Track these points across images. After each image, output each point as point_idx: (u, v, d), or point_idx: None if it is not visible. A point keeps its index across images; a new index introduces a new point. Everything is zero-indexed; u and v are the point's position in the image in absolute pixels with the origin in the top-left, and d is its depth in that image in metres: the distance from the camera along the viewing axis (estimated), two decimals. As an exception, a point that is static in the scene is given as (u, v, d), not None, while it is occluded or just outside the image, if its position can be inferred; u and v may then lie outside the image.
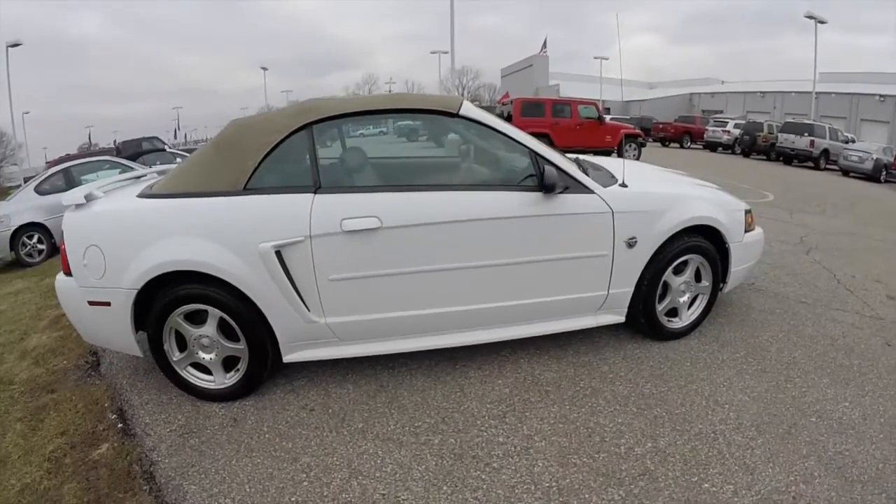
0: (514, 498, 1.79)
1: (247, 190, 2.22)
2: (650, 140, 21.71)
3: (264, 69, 45.71)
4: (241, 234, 2.16)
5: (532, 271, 2.43)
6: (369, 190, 2.34)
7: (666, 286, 2.73)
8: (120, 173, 4.36)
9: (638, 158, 13.08)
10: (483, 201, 2.34)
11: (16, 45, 23.75)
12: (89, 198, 2.30)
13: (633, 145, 13.84)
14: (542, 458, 1.97)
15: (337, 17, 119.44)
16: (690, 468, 1.91)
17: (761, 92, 37.20)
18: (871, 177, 14.79)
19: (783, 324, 3.10)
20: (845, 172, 15.64)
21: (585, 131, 13.07)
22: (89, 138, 53.33)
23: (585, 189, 2.46)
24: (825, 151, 16.69)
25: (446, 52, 25.40)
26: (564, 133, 12.70)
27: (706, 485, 1.83)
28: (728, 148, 20.64)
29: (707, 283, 2.83)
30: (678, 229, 2.60)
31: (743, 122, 21.81)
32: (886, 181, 14.82)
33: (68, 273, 2.28)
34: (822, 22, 24.31)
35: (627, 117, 27.11)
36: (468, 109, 2.42)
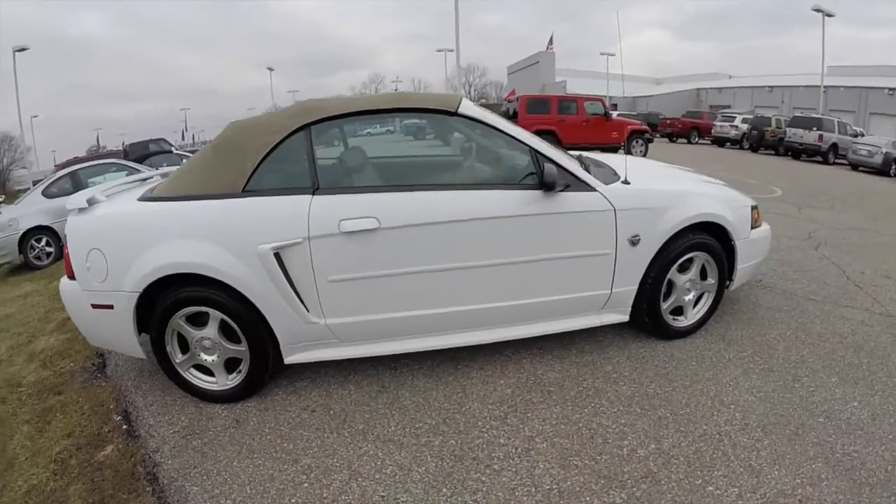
0: (514, 500, 1.78)
1: (246, 192, 2.22)
2: (657, 136, 21.56)
3: (270, 69, 46.04)
4: (240, 236, 2.16)
5: (533, 271, 2.41)
6: (368, 190, 2.33)
7: (671, 284, 2.69)
8: (127, 175, 4.40)
9: (645, 155, 13.03)
10: (483, 200, 2.33)
11: (22, 49, 23.47)
12: (91, 201, 2.31)
13: (641, 141, 13.73)
14: (543, 460, 1.95)
15: (336, 18, 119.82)
16: (694, 470, 1.88)
17: (769, 86, 36.86)
18: (881, 171, 14.55)
19: (791, 321, 3.06)
20: (854, 167, 15.44)
21: (591, 128, 12.96)
22: (97, 140, 54.10)
23: (587, 186, 2.43)
24: (834, 146, 16.50)
25: (452, 51, 25.32)
26: (570, 130, 12.60)
27: (710, 488, 1.80)
28: (736, 143, 20.47)
29: (713, 281, 2.79)
30: (682, 227, 2.56)
31: (751, 116, 21.60)
32: (896, 175, 14.63)
33: (72, 276, 2.29)
34: (829, 15, 24.01)
35: (634, 113, 26.87)
36: (467, 108, 2.40)
